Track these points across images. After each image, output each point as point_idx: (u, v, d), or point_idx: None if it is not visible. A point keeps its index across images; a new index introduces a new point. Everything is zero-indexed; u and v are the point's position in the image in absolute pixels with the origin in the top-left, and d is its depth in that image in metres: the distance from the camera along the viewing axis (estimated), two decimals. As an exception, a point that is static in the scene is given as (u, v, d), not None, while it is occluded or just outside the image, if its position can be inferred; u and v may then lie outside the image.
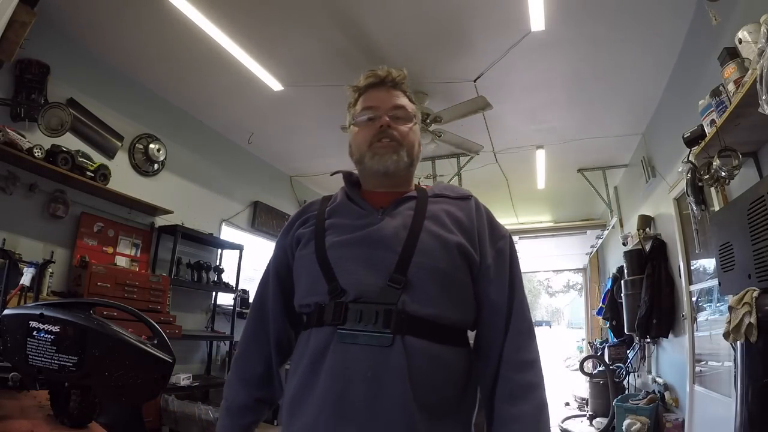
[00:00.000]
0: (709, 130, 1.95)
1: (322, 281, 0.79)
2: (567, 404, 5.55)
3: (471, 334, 0.87)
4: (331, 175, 1.04)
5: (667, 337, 3.34)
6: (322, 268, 0.80)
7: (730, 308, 1.61)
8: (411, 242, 0.79)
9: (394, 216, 0.84)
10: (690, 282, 2.91)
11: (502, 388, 0.77)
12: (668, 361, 3.46)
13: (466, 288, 0.82)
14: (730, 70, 1.74)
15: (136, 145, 3.63)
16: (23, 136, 2.67)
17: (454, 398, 0.77)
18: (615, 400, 3.64)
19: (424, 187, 0.96)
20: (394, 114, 0.90)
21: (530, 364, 0.79)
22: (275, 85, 3.46)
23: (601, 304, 5.21)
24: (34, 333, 0.72)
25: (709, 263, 2.61)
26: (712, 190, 2.18)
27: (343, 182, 0.96)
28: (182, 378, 3.41)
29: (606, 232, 5.70)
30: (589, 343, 6.97)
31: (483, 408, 0.82)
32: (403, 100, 0.93)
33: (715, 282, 2.24)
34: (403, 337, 0.73)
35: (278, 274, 0.92)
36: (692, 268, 2.93)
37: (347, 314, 0.75)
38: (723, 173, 1.83)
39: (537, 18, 2.63)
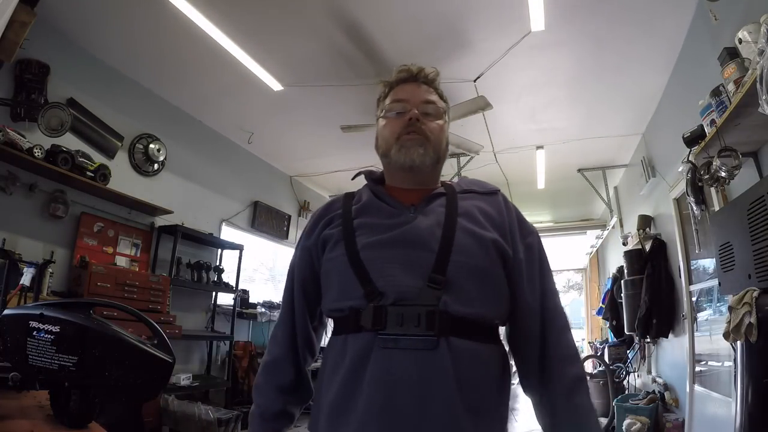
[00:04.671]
0: (709, 130, 1.95)
1: (356, 284, 0.76)
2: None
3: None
4: (353, 178, 1.03)
5: (667, 337, 3.34)
6: (356, 271, 0.77)
7: (730, 308, 1.61)
8: (447, 241, 0.77)
9: (427, 214, 0.83)
10: (690, 282, 2.91)
11: (561, 383, 0.78)
12: (668, 361, 3.46)
13: (504, 284, 0.81)
14: (730, 70, 1.74)
15: (136, 145, 3.63)
16: (23, 136, 2.67)
17: (493, 396, 0.76)
18: (615, 400, 3.64)
19: (449, 182, 0.95)
20: (424, 109, 0.88)
21: (576, 357, 0.81)
22: (275, 85, 3.46)
23: (601, 304, 5.21)
24: (34, 333, 0.72)
25: (709, 263, 2.61)
26: (712, 190, 2.18)
27: (366, 181, 0.95)
28: (182, 378, 3.40)
29: (606, 232, 5.70)
30: (589, 343, 6.97)
31: (534, 402, 0.83)
32: (434, 97, 0.91)
33: (715, 282, 2.24)
34: (447, 339, 0.71)
35: (302, 277, 0.90)
36: (692, 268, 2.93)
37: (387, 318, 0.73)
38: (723, 173, 1.83)
39: (537, 18, 2.63)
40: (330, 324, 0.89)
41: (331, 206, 0.92)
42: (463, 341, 0.73)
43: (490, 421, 0.75)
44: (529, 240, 0.86)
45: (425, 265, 0.75)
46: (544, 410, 0.81)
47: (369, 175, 0.96)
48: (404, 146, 0.86)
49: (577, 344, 0.88)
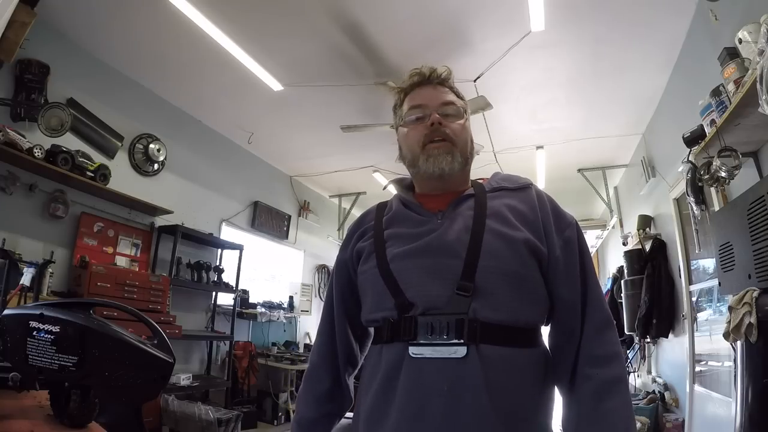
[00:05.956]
0: (709, 130, 1.95)
1: (388, 296, 0.77)
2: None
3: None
4: (384, 188, 1.03)
5: (667, 337, 3.34)
6: (387, 282, 0.78)
7: (730, 308, 1.61)
8: (475, 245, 0.75)
9: (454, 218, 0.81)
10: (690, 282, 2.91)
11: (587, 386, 0.74)
12: (668, 361, 3.46)
13: (539, 285, 0.78)
14: (730, 70, 1.74)
15: (136, 145, 3.63)
16: (23, 136, 2.67)
17: (532, 402, 0.74)
18: (615, 400, 3.63)
19: (481, 181, 0.93)
20: (444, 111, 0.86)
21: (613, 357, 0.76)
22: (275, 85, 3.46)
23: (601, 304, 5.20)
24: (34, 333, 0.71)
25: (709, 263, 2.61)
26: (712, 190, 2.18)
27: (396, 190, 0.95)
28: (182, 378, 3.41)
29: (606, 232, 5.70)
30: (589, 343, 6.96)
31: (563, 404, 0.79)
32: (452, 96, 0.90)
33: (715, 282, 2.24)
34: (477, 347, 0.71)
35: (341, 290, 0.91)
36: (692, 268, 2.93)
37: (417, 328, 0.73)
38: (723, 173, 1.83)
39: (537, 18, 2.63)
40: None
41: (365, 218, 0.93)
42: (495, 348, 0.71)
43: (529, 426, 0.73)
44: (567, 234, 0.82)
45: (453, 273, 0.74)
46: (570, 413, 0.77)
47: (399, 182, 0.96)
48: (431, 155, 0.84)
49: (618, 341, 0.80)
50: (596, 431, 0.71)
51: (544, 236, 0.80)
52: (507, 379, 0.71)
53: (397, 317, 0.76)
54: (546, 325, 0.82)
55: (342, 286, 0.91)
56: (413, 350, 0.73)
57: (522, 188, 0.88)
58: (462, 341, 0.71)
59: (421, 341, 0.72)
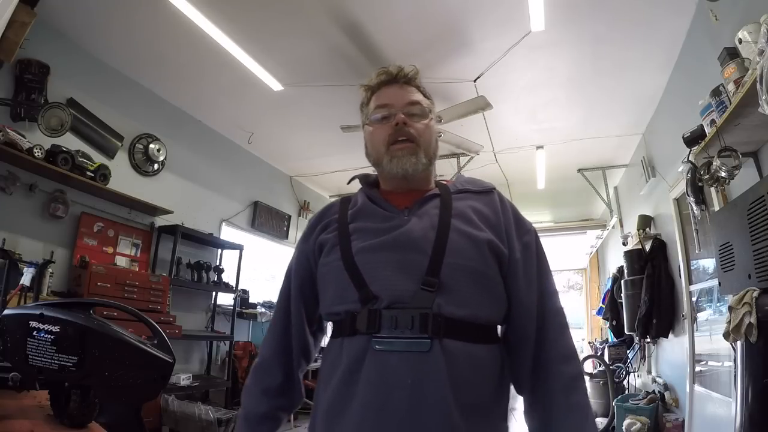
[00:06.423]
0: (709, 130, 1.95)
1: (352, 288, 0.77)
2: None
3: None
4: (348, 182, 1.02)
5: (667, 337, 3.34)
6: (351, 275, 0.78)
7: (730, 308, 1.61)
8: (441, 243, 0.77)
9: (421, 216, 0.83)
10: (690, 282, 2.91)
11: (556, 381, 0.78)
12: (668, 361, 3.46)
13: (499, 285, 0.81)
14: (730, 70, 1.74)
15: (136, 145, 3.63)
16: (23, 136, 2.67)
17: (491, 395, 0.77)
18: (615, 400, 3.64)
19: (445, 182, 0.95)
20: (409, 110, 0.88)
21: (575, 355, 0.81)
22: (275, 85, 3.46)
23: (601, 304, 5.21)
24: (34, 333, 0.72)
25: (709, 263, 2.61)
26: (712, 190, 2.18)
27: (361, 185, 0.95)
28: (182, 378, 3.40)
29: (606, 232, 5.70)
30: (589, 343, 6.96)
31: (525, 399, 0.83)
32: (418, 96, 0.91)
33: (715, 282, 2.24)
34: (441, 341, 0.72)
35: (300, 281, 0.90)
36: (692, 268, 2.93)
37: (381, 321, 0.74)
38: (723, 173, 1.83)
39: (537, 18, 2.63)
40: (329, 327, 0.89)
41: (328, 211, 0.93)
42: (457, 343, 0.73)
43: (486, 421, 0.75)
44: (526, 239, 0.85)
45: (419, 268, 0.76)
46: (539, 409, 0.80)
47: (364, 179, 0.97)
48: (396, 156, 0.86)
49: (576, 344, 0.86)
50: (570, 420, 0.76)
51: (506, 239, 0.83)
52: (468, 373, 0.73)
53: (360, 310, 0.76)
54: (502, 324, 0.85)
55: (302, 278, 0.90)
56: (377, 343, 0.73)
57: (485, 192, 0.90)
58: (426, 336, 0.72)
59: (385, 335, 0.73)
